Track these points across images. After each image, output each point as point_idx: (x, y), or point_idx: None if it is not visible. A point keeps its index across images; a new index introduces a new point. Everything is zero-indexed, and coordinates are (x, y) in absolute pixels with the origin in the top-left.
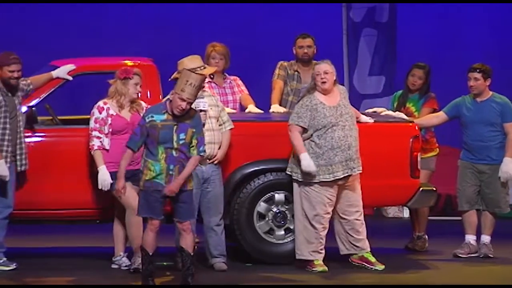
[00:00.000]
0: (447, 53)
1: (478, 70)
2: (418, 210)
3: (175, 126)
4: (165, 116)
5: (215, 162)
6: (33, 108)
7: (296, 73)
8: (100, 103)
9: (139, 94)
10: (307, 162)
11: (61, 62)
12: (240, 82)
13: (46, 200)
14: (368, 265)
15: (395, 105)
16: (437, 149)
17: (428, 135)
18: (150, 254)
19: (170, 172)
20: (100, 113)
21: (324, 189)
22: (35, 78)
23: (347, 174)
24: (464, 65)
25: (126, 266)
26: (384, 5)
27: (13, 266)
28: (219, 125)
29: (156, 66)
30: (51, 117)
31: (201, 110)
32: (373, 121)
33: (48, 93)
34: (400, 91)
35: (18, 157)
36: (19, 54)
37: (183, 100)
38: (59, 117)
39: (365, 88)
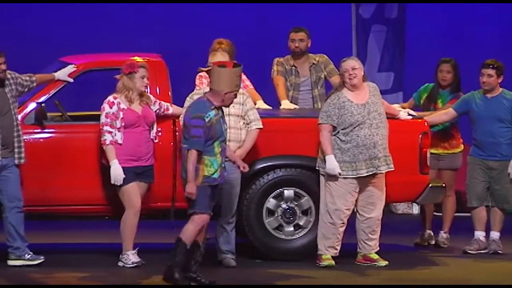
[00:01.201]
0: (455, 49)
1: (492, 67)
2: (445, 207)
3: (221, 119)
4: (214, 111)
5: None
6: (43, 104)
7: (293, 67)
8: (110, 98)
9: (148, 87)
10: (332, 165)
11: (70, 58)
12: (244, 77)
13: (55, 196)
14: (371, 263)
15: (423, 96)
16: (462, 145)
17: (453, 130)
18: (188, 247)
19: (223, 165)
20: (111, 107)
21: (347, 185)
22: (40, 77)
23: (371, 173)
24: (472, 62)
25: (134, 262)
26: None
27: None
28: (246, 124)
29: (165, 62)
30: (60, 113)
31: None
32: (411, 117)
33: (57, 89)
34: (431, 84)
35: (16, 150)
36: (29, 50)
37: (236, 95)
38: (68, 113)
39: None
